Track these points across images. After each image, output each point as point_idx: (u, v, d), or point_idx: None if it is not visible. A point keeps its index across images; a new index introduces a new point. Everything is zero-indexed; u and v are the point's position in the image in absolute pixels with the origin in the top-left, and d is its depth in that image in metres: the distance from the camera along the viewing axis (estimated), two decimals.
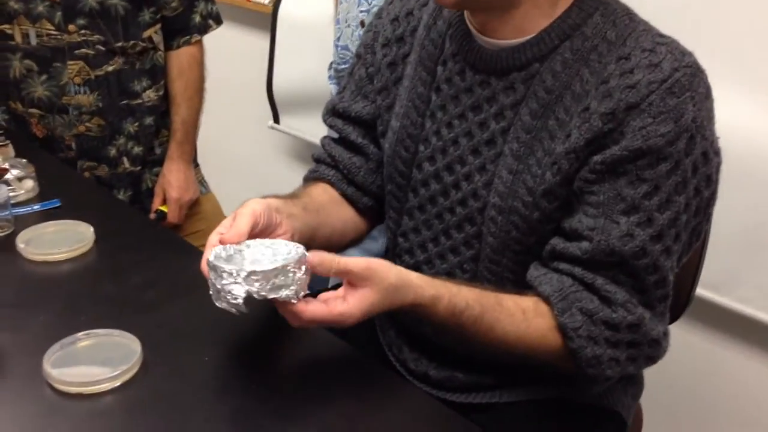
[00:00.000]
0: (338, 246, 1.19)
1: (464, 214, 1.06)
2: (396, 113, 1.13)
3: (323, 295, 0.89)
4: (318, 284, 0.94)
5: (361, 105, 1.18)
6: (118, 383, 0.92)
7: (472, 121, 1.04)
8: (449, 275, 1.08)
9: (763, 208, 1.51)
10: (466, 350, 1.06)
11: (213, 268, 0.87)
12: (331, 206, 1.17)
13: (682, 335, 1.75)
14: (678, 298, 1.20)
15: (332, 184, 1.20)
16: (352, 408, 0.91)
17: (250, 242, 0.93)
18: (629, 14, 0.98)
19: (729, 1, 1.50)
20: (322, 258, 0.87)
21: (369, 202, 1.21)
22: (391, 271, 0.90)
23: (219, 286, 0.86)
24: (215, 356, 0.98)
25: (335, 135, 1.23)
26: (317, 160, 1.24)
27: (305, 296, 0.88)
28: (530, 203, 0.98)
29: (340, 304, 0.87)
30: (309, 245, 1.08)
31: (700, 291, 1.48)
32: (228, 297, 0.86)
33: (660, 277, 0.94)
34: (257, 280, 0.85)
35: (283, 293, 0.86)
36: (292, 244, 0.92)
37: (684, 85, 0.90)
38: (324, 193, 1.19)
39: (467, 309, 0.94)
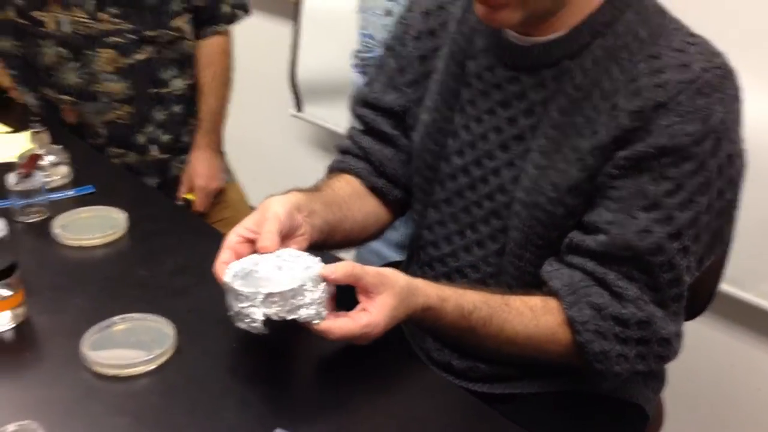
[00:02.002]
0: (358, 240, 1.21)
1: (491, 208, 1.07)
2: (426, 107, 1.14)
3: (343, 312, 0.91)
4: None
5: (392, 96, 1.18)
6: (152, 366, 0.95)
7: (501, 117, 1.05)
8: (474, 268, 1.10)
9: None
10: (482, 353, 1.07)
11: (230, 290, 0.87)
12: (353, 200, 1.17)
13: (705, 330, 1.75)
14: (701, 293, 1.21)
15: (361, 177, 1.20)
16: (379, 394, 0.94)
17: (267, 255, 0.92)
18: (662, 12, 0.98)
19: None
20: (334, 268, 0.88)
21: (399, 194, 1.21)
22: (400, 275, 0.92)
23: (237, 309, 0.87)
24: (246, 341, 1.01)
25: (362, 127, 1.23)
26: (343, 152, 1.24)
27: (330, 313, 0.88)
28: (555, 199, 0.99)
29: (364, 316, 0.89)
30: (329, 241, 1.10)
31: (724, 286, 1.48)
32: (247, 320, 0.86)
33: (675, 276, 0.95)
34: (275, 303, 0.85)
35: (303, 313, 0.86)
36: (309, 258, 0.91)
37: (714, 85, 0.91)
38: (347, 186, 1.19)
39: (475, 310, 0.96)
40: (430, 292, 0.94)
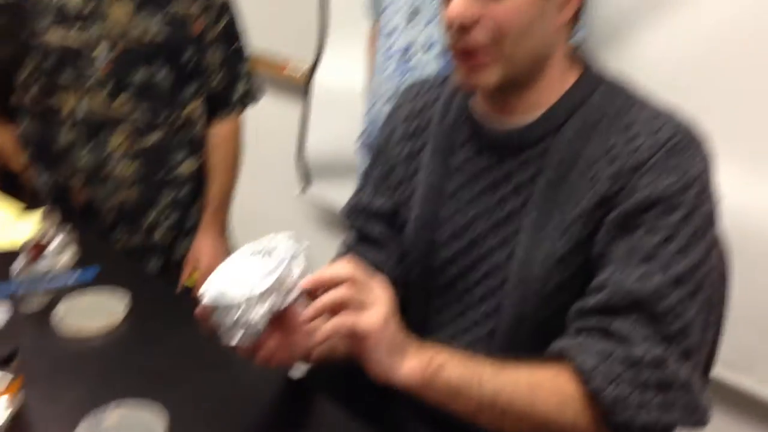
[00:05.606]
0: None
1: (481, 294, 1.09)
2: (413, 203, 1.17)
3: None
4: None
5: (381, 201, 1.22)
6: None
7: (489, 201, 1.08)
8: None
9: None
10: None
11: (218, 309, 0.88)
12: None
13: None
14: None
15: None
16: None
17: (226, 264, 0.94)
18: (629, 87, 1.04)
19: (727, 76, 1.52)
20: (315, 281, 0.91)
21: (397, 296, 1.21)
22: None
23: (235, 319, 0.87)
24: (242, 428, 1.02)
25: (353, 236, 1.25)
26: None
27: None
28: (544, 274, 1.01)
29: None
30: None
31: (719, 370, 1.47)
32: (243, 327, 0.87)
33: (683, 326, 0.91)
34: (270, 296, 0.88)
35: (290, 298, 0.90)
36: (273, 247, 0.93)
37: (685, 146, 0.96)
38: None
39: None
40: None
